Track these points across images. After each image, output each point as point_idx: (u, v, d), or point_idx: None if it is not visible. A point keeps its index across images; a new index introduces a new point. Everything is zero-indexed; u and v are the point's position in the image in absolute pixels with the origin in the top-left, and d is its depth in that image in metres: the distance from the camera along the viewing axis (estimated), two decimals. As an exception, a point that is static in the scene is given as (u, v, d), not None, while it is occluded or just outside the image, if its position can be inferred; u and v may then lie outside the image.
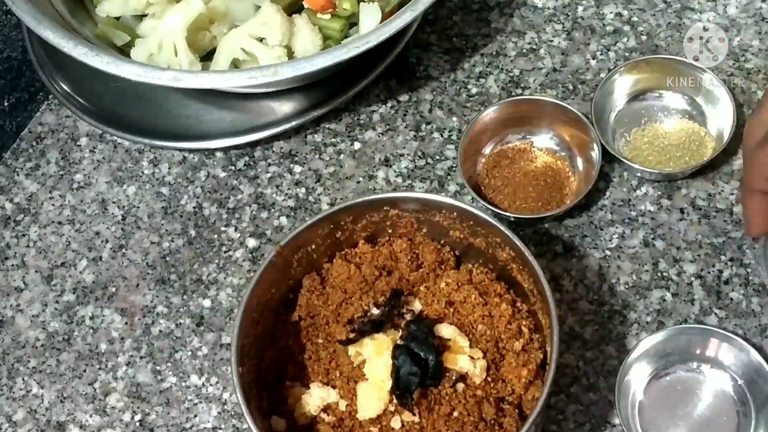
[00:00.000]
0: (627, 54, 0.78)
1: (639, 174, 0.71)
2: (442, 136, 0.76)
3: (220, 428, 0.65)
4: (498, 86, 0.77)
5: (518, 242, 0.58)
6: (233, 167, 0.76)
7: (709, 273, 0.68)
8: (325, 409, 0.58)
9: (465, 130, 0.71)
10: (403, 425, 0.56)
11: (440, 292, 0.61)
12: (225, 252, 0.72)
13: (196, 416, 0.66)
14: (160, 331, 0.69)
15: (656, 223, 0.70)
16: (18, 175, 0.77)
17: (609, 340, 0.66)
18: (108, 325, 0.70)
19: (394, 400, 0.56)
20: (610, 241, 0.69)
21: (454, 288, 0.60)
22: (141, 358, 0.68)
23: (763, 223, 0.59)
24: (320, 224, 0.61)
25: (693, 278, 0.67)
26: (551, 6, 0.81)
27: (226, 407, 0.66)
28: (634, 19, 0.80)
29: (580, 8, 0.81)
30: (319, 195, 0.74)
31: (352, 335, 0.58)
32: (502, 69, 0.78)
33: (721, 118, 0.71)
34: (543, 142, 0.73)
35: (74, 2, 0.77)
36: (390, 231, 0.64)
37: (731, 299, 0.66)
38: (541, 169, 0.72)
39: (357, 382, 0.58)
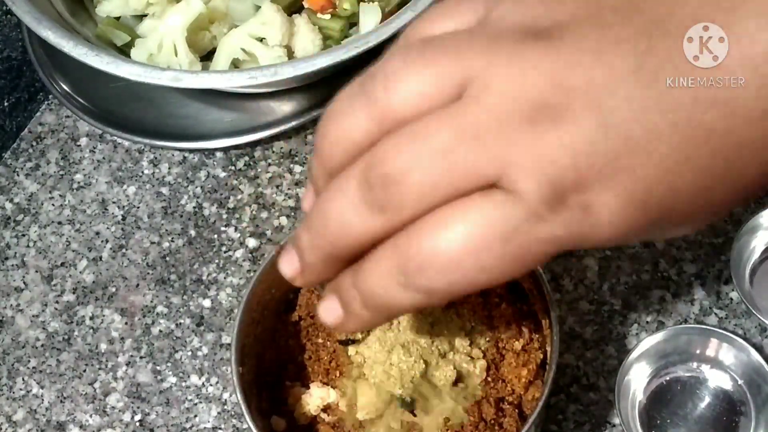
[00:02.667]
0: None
1: None
2: (442, 136, 0.75)
3: (220, 428, 0.65)
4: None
5: (518, 242, 0.58)
6: (233, 167, 0.76)
7: (709, 273, 0.68)
8: (325, 409, 0.58)
9: None
10: (403, 425, 0.56)
11: (440, 292, 0.60)
12: (225, 252, 0.72)
13: (196, 416, 0.66)
14: (160, 331, 0.69)
15: (656, 223, 0.70)
16: (18, 175, 0.77)
17: (609, 340, 0.65)
18: (108, 325, 0.70)
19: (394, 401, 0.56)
20: (610, 241, 0.69)
21: (454, 288, 0.60)
22: (141, 358, 0.68)
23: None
24: (320, 224, 0.61)
25: (693, 278, 0.67)
26: (551, 6, 0.81)
27: (226, 407, 0.66)
28: (634, 19, 0.80)
29: (580, 8, 0.81)
30: (319, 195, 0.74)
31: (352, 335, 0.58)
32: (502, 69, 0.78)
33: None
34: None
35: (74, 2, 0.77)
36: (390, 231, 0.63)
37: (731, 299, 0.66)
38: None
39: (357, 382, 0.57)
